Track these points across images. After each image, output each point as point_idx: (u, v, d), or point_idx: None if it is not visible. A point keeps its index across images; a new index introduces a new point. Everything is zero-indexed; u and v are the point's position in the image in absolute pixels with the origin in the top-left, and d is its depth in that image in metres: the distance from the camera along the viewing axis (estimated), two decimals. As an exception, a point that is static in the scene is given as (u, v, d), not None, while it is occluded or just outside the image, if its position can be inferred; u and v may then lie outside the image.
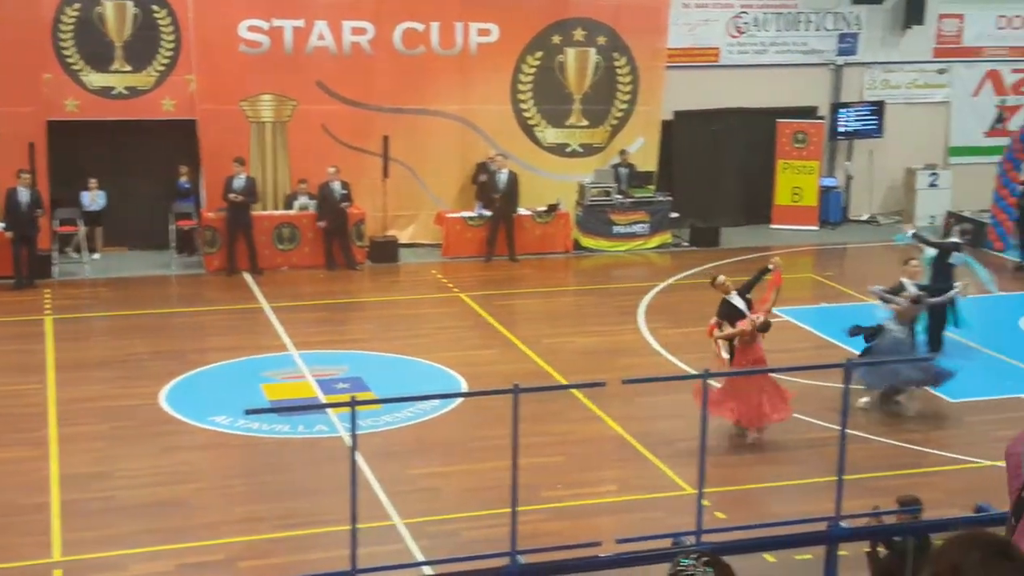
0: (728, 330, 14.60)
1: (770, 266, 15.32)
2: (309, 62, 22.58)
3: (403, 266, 22.59)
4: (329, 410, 14.69)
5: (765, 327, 14.39)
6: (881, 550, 9.83)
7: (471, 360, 17.15)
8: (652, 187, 23.93)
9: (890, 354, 14.93)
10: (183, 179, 22.30)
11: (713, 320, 15.13)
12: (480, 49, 23.40)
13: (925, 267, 16.65)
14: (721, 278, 15.34)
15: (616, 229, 23.69)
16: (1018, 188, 23.33)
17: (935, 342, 16.35)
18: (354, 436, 8.41)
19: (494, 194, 22.74)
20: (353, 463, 8.49)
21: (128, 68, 22.10)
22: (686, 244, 24.11)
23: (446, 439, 14.50)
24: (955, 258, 17.01)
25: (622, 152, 23.96)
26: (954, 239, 17.58)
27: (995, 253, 23.82)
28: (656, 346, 17.98)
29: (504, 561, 8.60)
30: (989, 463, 13.95)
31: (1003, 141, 25.16)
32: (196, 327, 18.92)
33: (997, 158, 24.62)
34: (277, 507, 12.55)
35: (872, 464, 13.64)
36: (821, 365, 15.10)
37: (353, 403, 8.42)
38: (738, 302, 14.86)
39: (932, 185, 26.08)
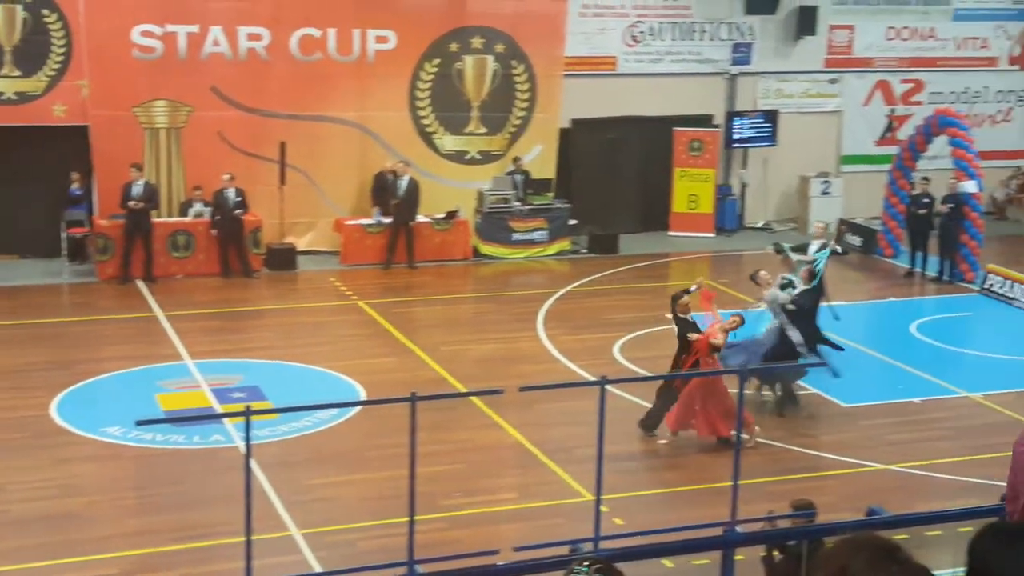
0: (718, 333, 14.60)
1: (693, 287, 15.41)
2: (204, 68, 22.32)
3: (301, 273, 22.41)
4: (225, 420, 14.52)
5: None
6: (776, 554, 9.95)
7: (370, 368, 17.07)
8: (551, 194, 24.02)
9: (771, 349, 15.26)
10: (75, 186, 21.91)
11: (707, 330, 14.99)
12: (378, 56, 23.31)
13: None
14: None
15: (515, 236, 23.75)
16: (908, 196, 23.81)
17: (812, 342, 16.51)
18: (248, 446, 8.31)
19: (393, 200, 22.66)
20: (247, 473, 8.39)
21: (18, 73, 21.67)
22: (585, 251, 24.24)
23: (344, 448, 14.42)
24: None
25: (516, 159, 24.03)
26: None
27: (886, 259, 24.29)
28: (555, 353, 18.05)
29: (402, 571, 8.56)
30: (882, 467, 14.24)
31: (893, 150, 25.65)
32: (89, 336, 18.58)
33: (887, 166, 25.11)
34: (172, 519, 12.38)
35: (768, 469, 13.84)
36: (718, 371, 15.23)
37: (248, 412, 8.33)
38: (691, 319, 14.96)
39: (825, 193, 26.52)
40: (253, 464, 8.84)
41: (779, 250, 18.03)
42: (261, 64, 22.66)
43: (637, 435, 14.76)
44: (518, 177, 23.89)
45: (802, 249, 17.91)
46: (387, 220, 22.78)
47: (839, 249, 18.27)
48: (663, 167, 25.77)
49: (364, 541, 11.93)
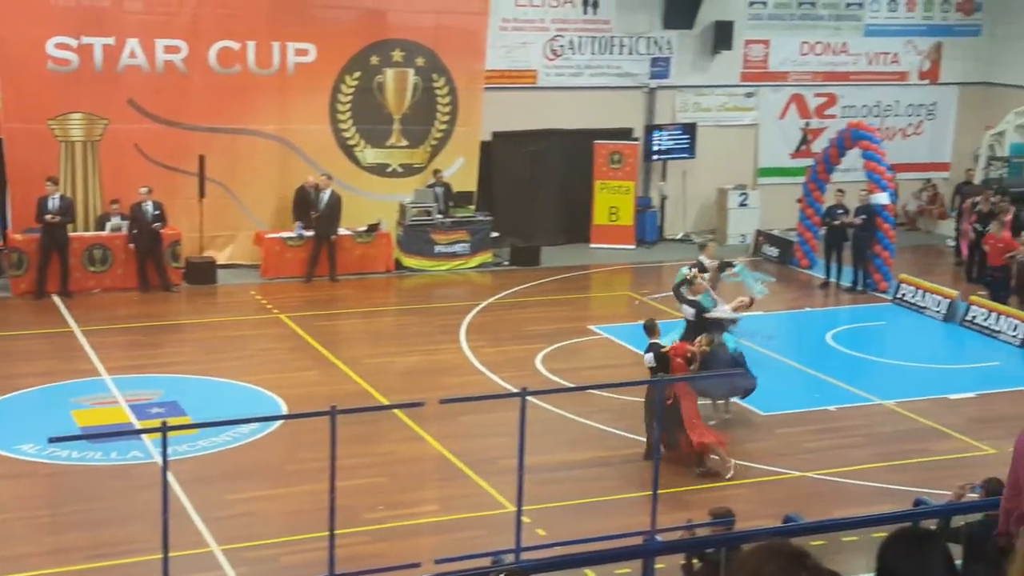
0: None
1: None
2: (121, 80, 22.10)
3: (221, 287, 22.25)
4: (143, 436, 14.37)
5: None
6: (696, 562, 10.05)
7: (291, 382, 17.00)
8: (472, 207, 24.08)
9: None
10: (-12, 199, 21.61)
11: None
12: (298, 69, 23.24)
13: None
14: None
15: (437, 249, 23.77)
16: (822, 207, 24.17)
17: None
18: (164, 461, 8.27)
19: (314, 213, 22.59)
20: (165, 489, 8.35)
21: (-71, 85, 21.34)
22: (506, 263, 24.32)
23: (265, 463, 14.34)
24: (727, 276, 17.56)
25: (436, 172, 24.07)
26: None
27: (801, 270, 24.64)
28: (478, 365, 18.09)
29: (323, 585, 8.56)
30: (799, 474, 14.44)
31: (808, 162, 26.05)
32: (2, 352, 18.27)
33: (802, 179, 25.48)
34: (88, 537, 12.23)
35: (687, 478, 13.97)
36: (638, 381, 15.38)
37: (164, 428, 8.29)
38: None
39: (742, 205, 26.85)
40: (172, 480, 8.80)
41: (720, 268, 18.03)
42: (179, 77, 22.49)
43: (557, 446, 14.82)
44: (439, 190, 23.92)
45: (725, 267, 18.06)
46: (308, 233, 22.70)
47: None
48: (584, 180, 25.94)
49: (285, 556, 11.88)
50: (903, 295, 22.15)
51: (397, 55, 23.93)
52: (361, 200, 23.69)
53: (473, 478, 14.00)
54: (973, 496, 10.05)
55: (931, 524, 8.89)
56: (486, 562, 8.95)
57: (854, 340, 20.17)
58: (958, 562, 5.96)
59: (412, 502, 13.47)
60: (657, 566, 9.38)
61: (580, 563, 10.18)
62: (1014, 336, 19.87)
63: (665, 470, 10.72)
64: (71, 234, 21.31)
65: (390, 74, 24.00)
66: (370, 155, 24.16)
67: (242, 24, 22.70)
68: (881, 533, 4.49)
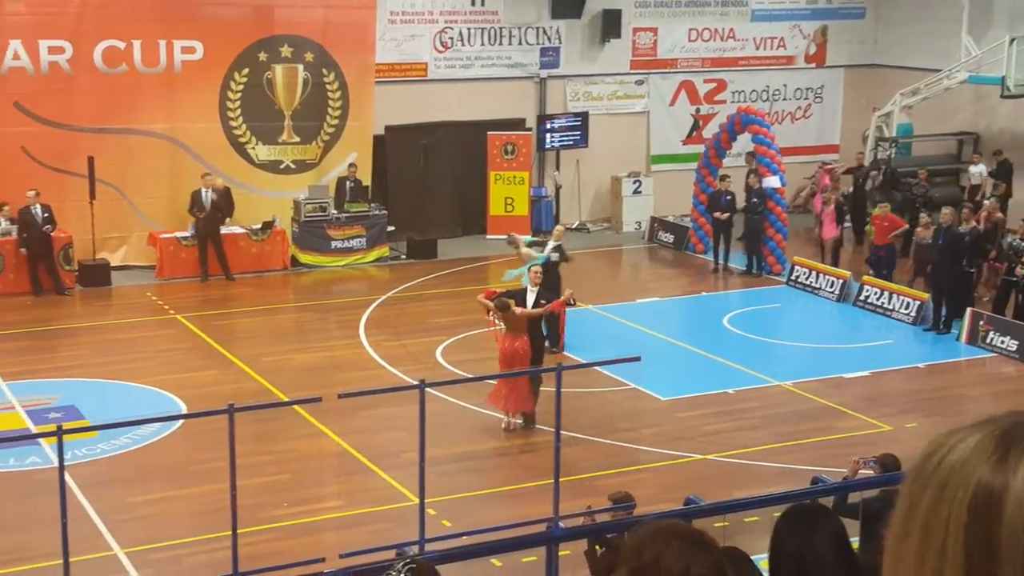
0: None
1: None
2: (5, 83, 21.73)
3: (116, 289, 21.99)
4: (42, 441, 14.16)
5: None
6: (598, 548, 10.19)
7: (190, 382, 16.87)
8: (367, 202, 24.03)
9: None
10: None
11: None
12: (185, 66, 23.01)
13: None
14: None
15: (334, 244, 23.70)
16: (710, 192, 24.47)
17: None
18: (61, 464, 8.22)
19: (198, 212, 22.37)
20: (63, 492, 8.31)
21: None
22: (404, 257, 24.32)
23: (166, 464, 14.24)
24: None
25: (351, 166, 23.98)
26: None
27: (697, 255, 24.97)
28: (378, 359, 18.10)
29: (228, 584, 8.56)
30: (699, 457, 14.66)
31: (700, 148, 26.39)
32: None
33: (695, 164, 25.81)
34: (-12, 545, 12.06)
35: (588, 464, 14.12)
36: (537, 370, 15.49)
37: (60, 432, 8.25)
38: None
39: (636, 192, 27.11)
40: (72, 484, 8.74)
41: (511, 242, 18.54)
42: (65, 77, 22.16)
43: (459, 437, 14.91)
44: (350, 183, 23.82)
45: (540, 246, 18.33)
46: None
47: (556, 256, 18.35)
48: (478, 171, 26.03)
49: (190, 556, 11.83)
50: (797, 277, 22.53)
51: (286, 51, 23.79)
52: (255, 197, 23.55)
53: (376, 472, 14.04)
54: (867, 472, 10.32)
55: (829, 502, 9.12)
56: (391, 554, 9.01)
57: (750, 323, 20.49)
58: (855, 539, 6.16)
59: (315, 498, 13.48)
60: (561, 553, 9.52)
61: (485, 552, 10.28)
62: (906, 314, 20.30)
63: (565, 458, 10.85)
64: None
65: (279, 70, 23.86)
66: (262, 152, 24.01)
67: (127, 23, 22.41)
68: (780, 512, 4.66)
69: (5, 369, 17.25)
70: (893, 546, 1.59)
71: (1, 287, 21.16)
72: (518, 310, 15.14)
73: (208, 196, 22.43)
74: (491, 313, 15.46)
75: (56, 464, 13.25)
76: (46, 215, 21.27)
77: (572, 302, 16.69)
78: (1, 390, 16.46)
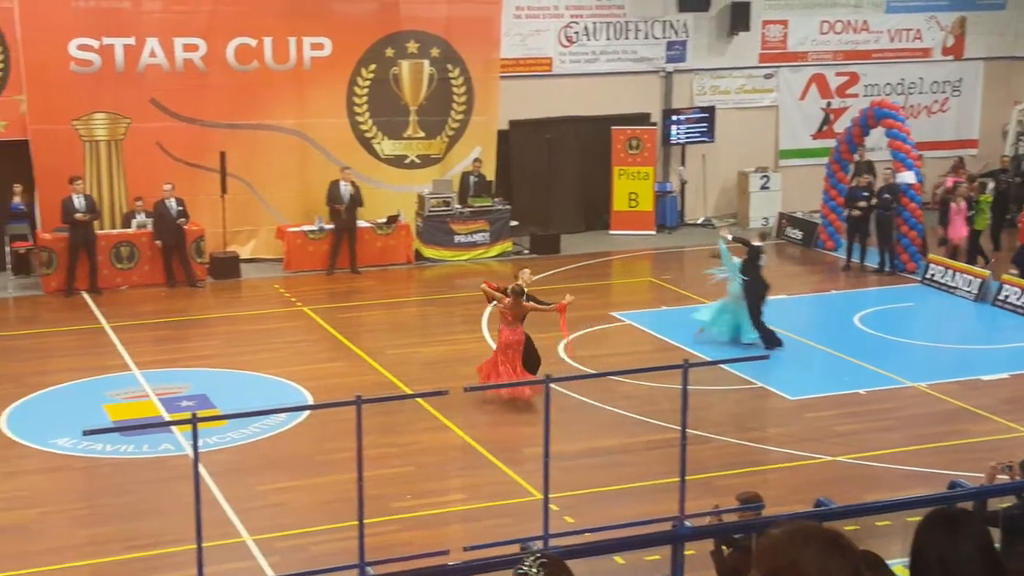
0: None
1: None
2: (142, 80, 22.23)
3: (245, 281, 22.36)
4: (174, 428, 14.47)
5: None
6: (725, 548, 10.04)
7: (316, 374, 17.08)
8: (490, 197, 24.10)
9: None
10: (17, 200, 21.74)
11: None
12: (314, 63, 23.31)
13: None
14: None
15: (457, 239, 23.81)
16: (846, 188, 24.05)
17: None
18: (195, 452, 8.33)
19: (338, 206, 22.67)
20: (196, 480, 8.42)
21: (-45, 89, 21.52)
22: (526, 252, 24.32)
23: (293, 453, 14.42)
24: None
25: (476, 161, 24.10)
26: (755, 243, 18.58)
27: (827, 252, 24.55)
28: (501, 354, 18.07)
29: (353, 573, 8.63)
30: (829, 458, 14.36)
31: (830, 143, 25.95)
32: (35, 349, 18.44)
33: (825, 159, 25.39)
34: (122, 529, 12.34)
35: (715, 464, 13.94)
36: (662, 367, 15.36)
37: (195, 420, 8.36)
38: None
39: (764, 187, 26.77)
40: (203, 472, 8.88)
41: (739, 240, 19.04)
42: (198, 74, 22.60)
43: (583, 433, 14.84)
44: (474, 178, 23.94)
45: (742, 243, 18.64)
46: (329, 226, 22.77)
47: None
48: (602, 166, 25.93)
49: (316, 545, 11.96)
50: (932, 275, 21.95)
51: (412, 46, 23.95)
52: (380, 192, 23.76)
53: (499, 466, 14.03)
54: (1004, 477, 9.97)
55: (968, 508, 8.84)
56: (515, 549, 8.98)
57: (882, 322, 19.97)
58: (997, 546, 5.94)
59: (439, 491, 13.52)
60: (686, 552, 9.41)
61: (609, 549, 10.23)
62: (1049, 315, 19.61)
63: (691, 456, 10.70)
64: (98, 232, 21.48)
65: (405, 66, 24.03)
66: (388, 147, 24.20)
67: (258, 21, 22.79)
68: (915, 517, 4.49)
69: (139, 358, 17.64)
70: None
71: (136, 278, 21.67)
72: (527, 304, 16.14)
73: (347, 190, 22.70)
74: (493, 301, 16.79)
75: (188, 452, 13.56)
76: (180, 208, 21.71)
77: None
78: (136, 378, 16.83)
